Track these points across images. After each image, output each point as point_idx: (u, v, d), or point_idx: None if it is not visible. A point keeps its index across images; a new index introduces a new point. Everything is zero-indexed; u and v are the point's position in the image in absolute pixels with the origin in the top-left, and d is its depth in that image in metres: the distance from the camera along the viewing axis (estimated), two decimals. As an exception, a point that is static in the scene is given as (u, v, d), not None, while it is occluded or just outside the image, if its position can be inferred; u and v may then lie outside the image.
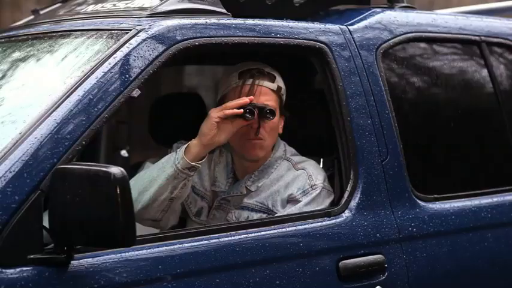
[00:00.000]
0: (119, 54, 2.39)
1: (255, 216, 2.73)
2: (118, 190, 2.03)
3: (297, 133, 3.00)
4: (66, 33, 2.69)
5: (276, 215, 2.72)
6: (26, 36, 2.84)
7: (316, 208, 2.70)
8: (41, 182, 2.14)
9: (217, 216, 2.82)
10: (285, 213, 2.70)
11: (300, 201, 2.71)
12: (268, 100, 2.75)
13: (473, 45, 3.24)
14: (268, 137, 2.76)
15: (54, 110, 2.25)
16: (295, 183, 2.76)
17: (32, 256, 2.09)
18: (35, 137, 2.19)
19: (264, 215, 2.73)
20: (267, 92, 2.76)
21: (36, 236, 2.12)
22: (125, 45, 2.42)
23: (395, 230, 2.74)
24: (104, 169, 2.06)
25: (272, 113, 2.70)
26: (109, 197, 2.03)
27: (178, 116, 3.29)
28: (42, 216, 2.14)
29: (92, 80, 2.33)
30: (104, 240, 2.08)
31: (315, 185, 2.74)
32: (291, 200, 2.74)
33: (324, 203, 2.74)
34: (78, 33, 2.66)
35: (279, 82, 2.81)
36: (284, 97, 2.84)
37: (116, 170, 2.05)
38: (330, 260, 2.57)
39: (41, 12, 3.27)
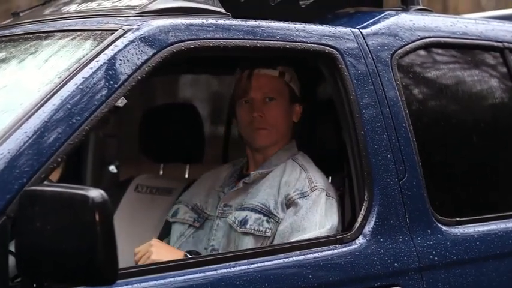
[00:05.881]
0: (103, 58, 2.19)
1: (254, 216, 2.61)
2: (97, 217, 1.82)
3: (302, 147, 2.82)
4: (43, 35, 2.50)
5: (280, 227, 2.57)
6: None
7: (322, 214, 2.56)
8: (7, 206, 1.93)
9: (221, 225, 2.69)
10: (287, 223, 2.56)
11: (298, 203, 2.59)
12: (268, 87, 2.72)
13: (495, 52, 3.09)
14: (274, 125, 2.72)
15: (25, 122, 2.03)
16: (294, 183, 2.65)
17: (-6, 295, 1.90)
18: (1, 153, 1.97)
19: (264, 218, 2.60)
20: (267, 78, 2.73)
21: (0, 268, 1.90)
22: (110, 48, 2.22)
23: (415, 258, 2.56)
24: (80, 192, 1.84)
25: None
26: (86, 225, 1.82)
27: (172, 129, 3.17)
28: (8, 247, 1.94)
29: (70, 87, 2.12)
30: (80, 276, 1.86)
31: (314, 186, 2.62)
32: (290, 203, 2.61)
33: (332, 211, 2.58)
34: (59, 34, 2.48)
35: (283, 69, 2.76)
36: (294, 85, 2.78)
37: (95, 193, 1.83)
38: (343, 293, 2.40)
39: (21, 14, 3.13)
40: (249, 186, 2.69)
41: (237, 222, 2.61)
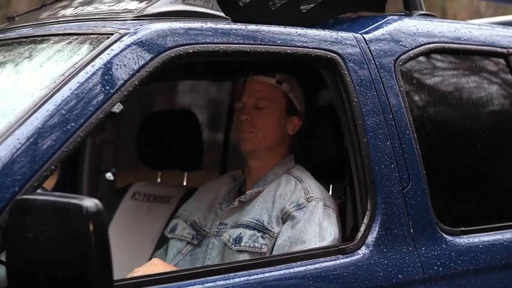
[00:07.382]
0: (98, 62, 2.13)
1: (248, 233, 2.54)
2: (91, 227, 1.76)
3: (302, 155, 2.78)
4: (39, 39, 2.45)
5: (278, 241, 2.51)
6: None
7: (320, 225, 2.51)
8: (-2, 215, 1.84)
9: (216, 244, 2.63)
10: (285, 237, 2.50)
11: (295, 216, 2.53)
12: (261, 94, 2.69)
13: (499, 58, 3.04)
14: (261, 130, 2.67)
15: (17, 128, 1.97)
16: (289, 196, 2.60)
17: (-16, 308, 1.82)
18: (-8, 161, 1.92)
19: (259, 234, 2.55)
20: (262, 85, 2.70)
21: (-10, 281, 1.86)
22: (106, 52, 2.16)
23: (419, 269, 2.50)
24: (74, 201, 1.78)
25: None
26: (80, 236, 1.77)
27: (170, 136, 3.13)
28: (-1, 257, 1.89)
29: (65, 92, 2.06)
30: (74, 288, 1.81)
31: (310, 197, 2.57)
32: (286, 217, 2.56)
33: (330, 221, 2.52)
34: (54, 38, 2.42)
35: (281, 78, 2.73)
36: (294, 96, 2.74)
37: (89, 202, 1.77)
38: (345, 305, 2.33)
39: (17, 18, 3.08)
40: (245, 204, 2.64)
41: (231, 240, 2.55)
